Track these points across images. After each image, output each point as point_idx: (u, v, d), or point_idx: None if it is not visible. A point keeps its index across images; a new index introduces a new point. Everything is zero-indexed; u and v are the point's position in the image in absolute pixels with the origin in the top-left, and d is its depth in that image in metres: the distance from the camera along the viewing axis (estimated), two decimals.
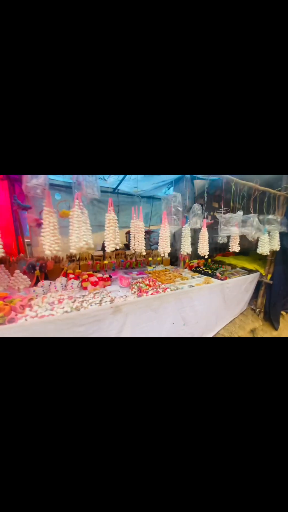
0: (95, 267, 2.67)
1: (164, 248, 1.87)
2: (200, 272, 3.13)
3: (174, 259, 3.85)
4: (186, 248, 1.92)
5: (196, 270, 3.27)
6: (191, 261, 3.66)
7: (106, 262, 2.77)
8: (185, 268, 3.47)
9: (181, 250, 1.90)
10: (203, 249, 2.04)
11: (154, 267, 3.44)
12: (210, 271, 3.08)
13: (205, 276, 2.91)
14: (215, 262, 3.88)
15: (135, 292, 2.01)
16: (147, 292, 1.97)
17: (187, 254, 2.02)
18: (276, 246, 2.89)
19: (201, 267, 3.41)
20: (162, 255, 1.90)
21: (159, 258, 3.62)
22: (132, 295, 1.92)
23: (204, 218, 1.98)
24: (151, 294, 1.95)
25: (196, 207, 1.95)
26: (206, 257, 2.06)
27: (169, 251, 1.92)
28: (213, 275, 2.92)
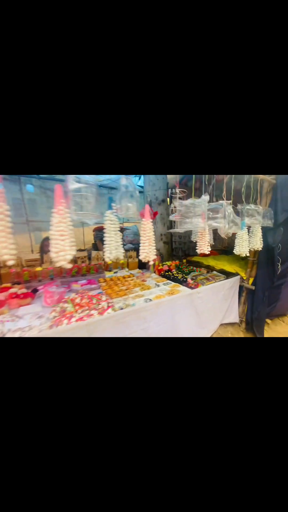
0: (21, 277, 1.96)
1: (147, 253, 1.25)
2: (168, 278, 2.53)
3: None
4: (109, 252, 1.19)
5: (165, 275, 2.67)
6: (162, 263, 3.06)
7: (39, 269, 2.07)
8: (154, 272, 2.87)
9: (104, 255, 1.17)
10: (145, 250, 1.34)
11: (115, 272, 2.80)
12: (180, 276, 2.49)
13: (172, 283, 2.32)
14: (190, 264, 3.31)
15: (55, 317, 1.35)
16: (70, 317, 1.32)
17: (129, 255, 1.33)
18: (258, 244, 2.32)
19: (172, 270, 2.82)
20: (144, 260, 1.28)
21: (122, 261, 2.97)
22: (44, 324, 1.26)
23: (147, 203, 1.26)
24: (77, 320, 1.30)
25: (125, 181, 1.13)
26: (150, 263, 1.37)
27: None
28: (183, 281, 2.34)
